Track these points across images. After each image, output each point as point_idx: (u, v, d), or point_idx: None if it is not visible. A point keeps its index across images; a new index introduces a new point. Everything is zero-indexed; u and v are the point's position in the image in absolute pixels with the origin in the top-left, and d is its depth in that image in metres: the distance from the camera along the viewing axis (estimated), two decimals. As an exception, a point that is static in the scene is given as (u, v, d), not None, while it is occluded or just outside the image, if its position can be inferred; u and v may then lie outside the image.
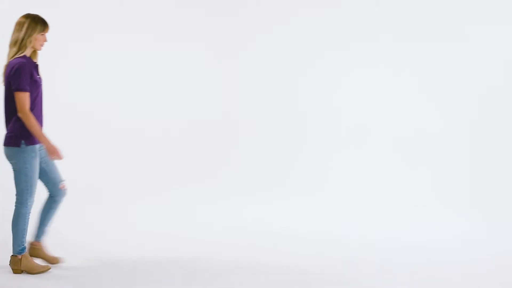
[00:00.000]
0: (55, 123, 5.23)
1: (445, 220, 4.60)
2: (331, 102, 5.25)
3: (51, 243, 4.14)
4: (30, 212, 3.55)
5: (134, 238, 4.30)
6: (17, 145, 3.43)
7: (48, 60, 5.29)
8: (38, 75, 3.54)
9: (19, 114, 3.39)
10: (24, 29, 3.45)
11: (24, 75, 3.38)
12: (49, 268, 3.57)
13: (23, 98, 3.38)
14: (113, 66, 5.30)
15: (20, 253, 3.52)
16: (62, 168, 5.14)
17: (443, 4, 5.07)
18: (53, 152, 3.48)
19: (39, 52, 3.61)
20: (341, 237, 4.32)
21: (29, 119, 3.39)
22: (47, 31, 3.52)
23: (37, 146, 3.50)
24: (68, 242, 4.18)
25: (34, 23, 3.48)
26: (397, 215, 4.68)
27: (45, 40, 3.54)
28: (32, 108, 3.44)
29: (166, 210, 4.83)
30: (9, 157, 3.49)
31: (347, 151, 5.18)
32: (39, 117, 3.52)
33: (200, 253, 3.99)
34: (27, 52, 3.48)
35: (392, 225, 4.51)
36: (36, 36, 3.47)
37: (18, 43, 3.45)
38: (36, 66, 3.53)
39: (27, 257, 3.54)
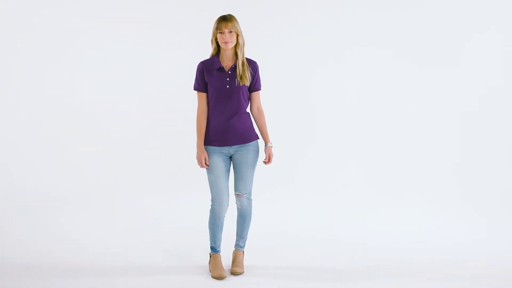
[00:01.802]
0: (53, 122, 5.26)
1: (445, 220, 4.60)
2: (331, 103, 5.25)
3: (52, 243, 4.15)
4: (219, 218, 3.55)
5: (133, 238, 4.31)
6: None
7: (49, 59, 5.32)
8: (228, 78, 3.44)
9: None
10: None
11: (196, 75, 3.50)
12: (223, 277, 3.51)
13: (197, 96, 3.52)
14: (114, 67, 5.30)
15: (211, 251, 3.66)
16: (63, 167, 5.19)
17: (444, 8, 5.08)
18: (197, 159, 3.48)
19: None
20: (341, 237, 4.32)
21: (196, 119, 3.51)
22: (222, 28, 3.37)
23: (216, 148, 3.48)
24: (68, 242, 4.19)
25: (214, 23, 3.42)
26: (397, 216, 4.68)
27: (225, 37, 3.38)
28: (210, 107, 3.47)
29: (166, 211, 4.83)
30: None
31: (347, 152, 5.18)
32: (217, 119, 3.46)
33: (200, 254, 3.99)
34: (222, 52, 3.45)
35: (393, 225, 4.52)
36: (216, 35, 3.41)
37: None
38: (221, 68, 3.45)
39: (215, 258, 3.62)
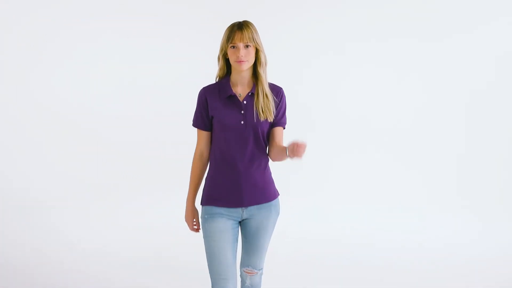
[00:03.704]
0: (53, 123, 5.26)
1: (444, 220, 4.60)
2: (329, 104, 5.25)
3: (49, 243, 4.15)
4: None
5: (133, 238, 4.31)
6: (200, 202, 2.52)
7: (50, 58, 5.31)
8: (242, 110, 2.44)
9: None
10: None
11: (196, 106, 2.51)
12: None
13: (196, 135, 2.53)
14: (113, 67, 5.30)
15: None
16: (62, 167, 5.19)
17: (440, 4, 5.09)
18: (186, 221, 2.55)
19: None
20: (341, 237, 4.32)
21: (192, 165, 2.52)
22: (236, 41, 2.38)
23: (224, 210, 2.46)
24: (67, 242, 4.19)
25: (226, 30, 2.44)
26: (396, 216, 4.68)
27: (239, 54, 2.38)
28: (215, 152, 2.49)
29: (167, 211, 4.83)
30: None
31: (347, 153, 5.18)
32: (227, 169, 2.45)
33: (200, 254, 3.99)
34: (235, 73, 2.46)
35: (391, 226, 4.52)
36: (227, 49, 2.42)
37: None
38: (232, 96, 2.45)
39: None
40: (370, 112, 5.19)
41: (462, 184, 4.94)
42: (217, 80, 2.52)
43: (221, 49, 2.45)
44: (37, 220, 4.60)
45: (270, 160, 2.56)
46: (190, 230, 2.57)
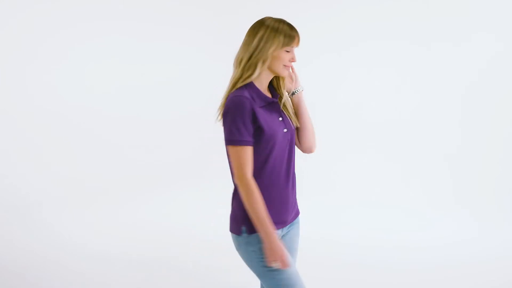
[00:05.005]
0: (51, 122, 5.26)
1: (442, 221, 4.60)
2: (329, 104, 5.25)
3: (49, 244, 4.15)
4: None
5: (133, 238, 4.31)
6: (237, 232, 2.17)
7: (49, 58, 5.31)
8: (280, 116, 2.19)
9: (234, 181, 2.15)
10: (256, 40, 2.13)
11: (237, 119, 2.07)
12: None
13: (237, 156, 2.07)
14: (114, 67, 5.30)
15: None
16: (61, 167, 5.18)
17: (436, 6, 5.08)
18: (271, 256, 2.08)
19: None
20: (341, 237, 4.32)
21: (246, 190, 2.07)
22: (296, 45, 2.17)
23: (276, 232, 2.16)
24: (67, 242, 4.19)
25: (274, 33, 2.12)
26: (396, 216, 4.68)
27: (293, 61, 2.17)
28: (259, 173, 2.14)
29: (167, 211, 4.83)
30: (235, 247, 2.22)
31: (347, 153, 5.19)
32: (275, 187, 2.16)
33: (200, 255, 3.99)
34: (262, 78, 2.17)
35: (392, 226, 4.51)
36: (276, 52, 2.13)
37: (243, 63, 2.14)
38: (271, 103, 2.18)
39: None
40: (370, 112, 5.19)
41: (462, 184, 4.93)
42: (237, 88, 2.15)
43: (267, 49, 2.12)
44: (36, 220, 4.59)
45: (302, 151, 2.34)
46: (283, 268, 2.09)
